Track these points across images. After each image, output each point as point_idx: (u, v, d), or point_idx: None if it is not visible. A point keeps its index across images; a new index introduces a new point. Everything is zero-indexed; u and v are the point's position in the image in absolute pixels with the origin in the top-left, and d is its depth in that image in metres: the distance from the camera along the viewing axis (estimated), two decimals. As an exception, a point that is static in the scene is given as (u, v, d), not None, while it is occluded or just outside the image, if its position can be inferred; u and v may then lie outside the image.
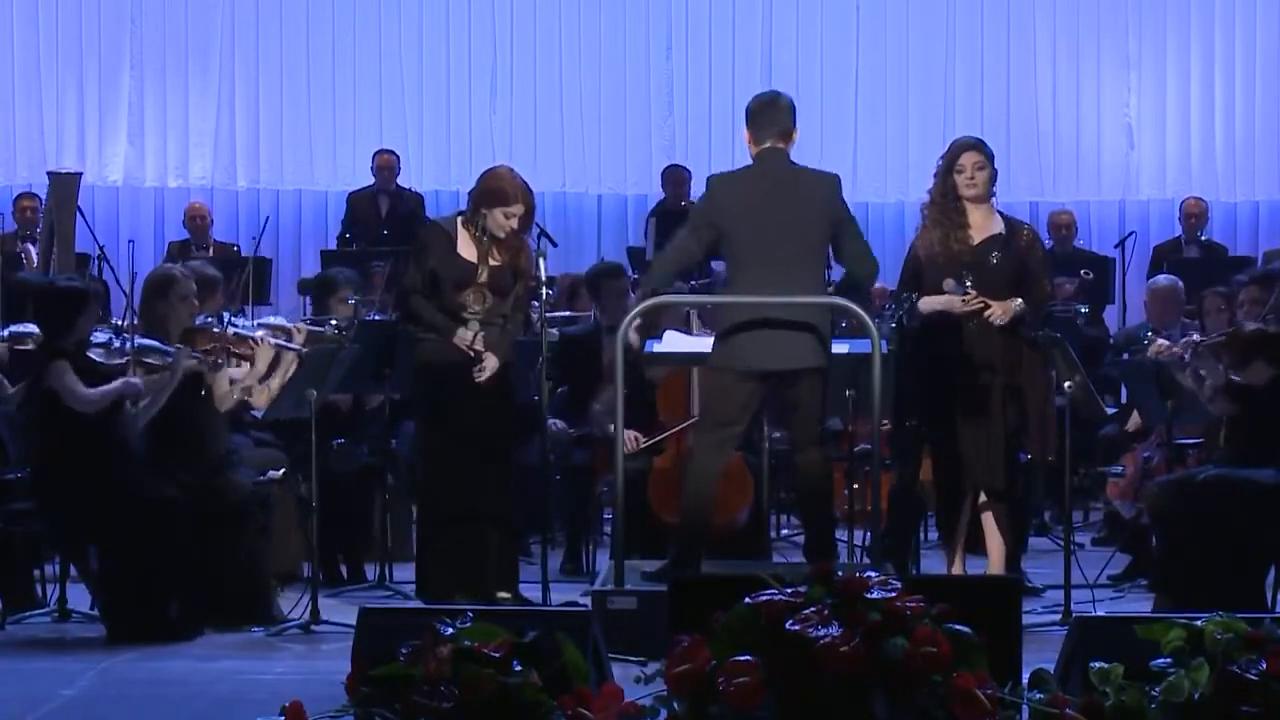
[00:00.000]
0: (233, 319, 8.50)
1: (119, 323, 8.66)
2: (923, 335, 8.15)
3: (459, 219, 8.13)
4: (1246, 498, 7.73)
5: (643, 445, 9.26)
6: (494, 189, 8.05)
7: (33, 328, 8.17)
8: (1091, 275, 12.84)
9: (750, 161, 7.74)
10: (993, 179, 8.17)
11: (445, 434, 8.10)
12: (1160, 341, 8.76)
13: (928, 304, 8.07)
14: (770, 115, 7.70)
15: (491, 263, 8.05)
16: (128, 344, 7.86)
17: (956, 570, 8.09)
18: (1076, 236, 14.06)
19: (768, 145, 7.66)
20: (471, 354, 8.01)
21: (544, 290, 8.03)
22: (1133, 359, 9.65)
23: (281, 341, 8.39)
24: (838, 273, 9.01)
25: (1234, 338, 8.06)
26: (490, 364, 8.03)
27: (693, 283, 9.92)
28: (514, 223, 8.01)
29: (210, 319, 8.36)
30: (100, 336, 7.97)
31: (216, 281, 9.09)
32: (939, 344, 8.05)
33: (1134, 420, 9.64)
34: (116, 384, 7.79)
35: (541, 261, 8.00)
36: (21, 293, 9.02)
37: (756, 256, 7.56)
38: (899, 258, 8.70)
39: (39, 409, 7.86)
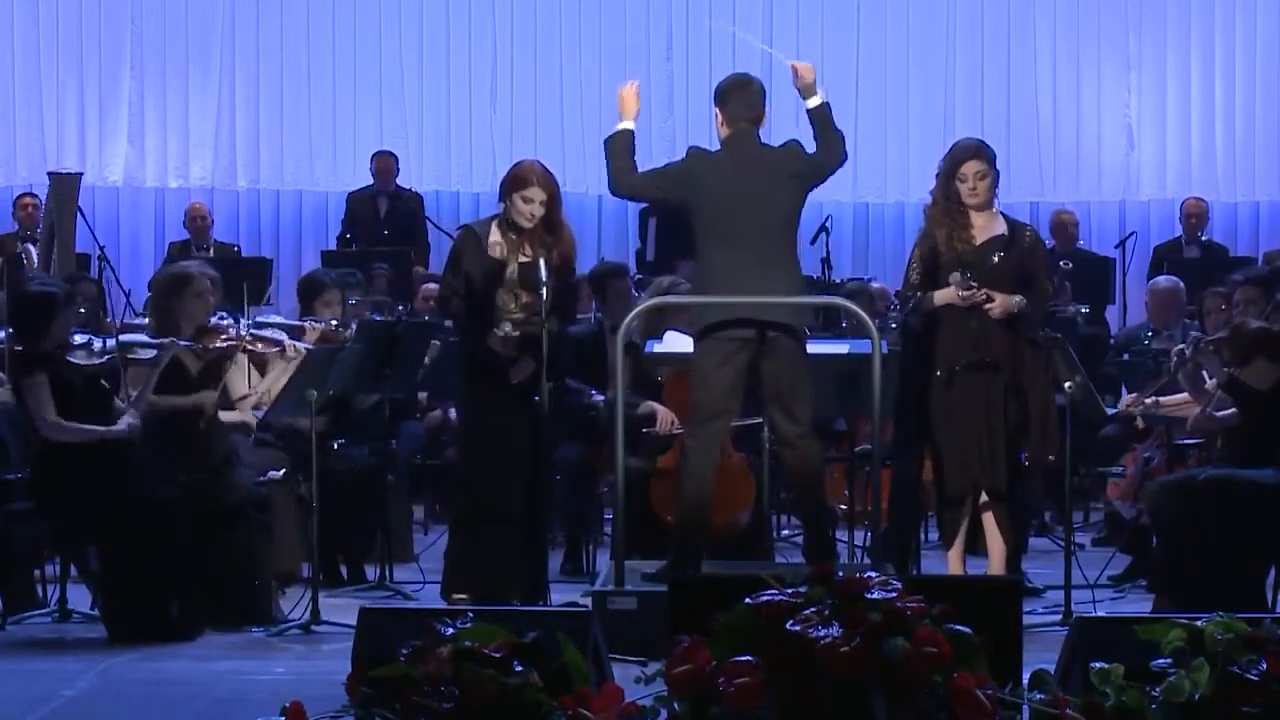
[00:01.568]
0: (247, 322, 8.51)
1: (115, 322, 8.63)
2: (926, 334, 8.14)
3: (493, 221, 8.18)
4: (1246, 498, 7.72)
5: (676, 429, 9.19)
6: (513, 176, 8.13)
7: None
8: (1070, 265, 12.82)
9: (720, 142, 7.83)
10: (995, 184, 8.16)
11: (483, 436, 8.13)
12: (1129, 396, 8.85)
13: (931, 299, 8.05)
14: (744, 98, 7.79)
15: (521, 259, 8.05)
16: (109, 343, 7.83)
17: (956, 570, 8.08)
18: (1078, 237, 14.04)
19: (741, 127, 7.75)
20: (506, 355, 8.03)
21: (543, 290, 8.03)
22: (1133, 359, 9.65)
23: (297, 343, 8.44)
24: (811, 259, 8.95)
25: (1237, 332, 8.04)
26: (524, 364, 8.04)
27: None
28: (533, 208, 8.02)
29: (226, 320, 8.37)
30: (80, 338, 7.92)
31: (214, 281, 9.08)
32: (941, 343, 8.04)
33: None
34: (97, 429, 7.76)
35: (542, 262, 7.99)
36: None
37: (728, 237, 7.64)
38: (899, 258, 8.71)
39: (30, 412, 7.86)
